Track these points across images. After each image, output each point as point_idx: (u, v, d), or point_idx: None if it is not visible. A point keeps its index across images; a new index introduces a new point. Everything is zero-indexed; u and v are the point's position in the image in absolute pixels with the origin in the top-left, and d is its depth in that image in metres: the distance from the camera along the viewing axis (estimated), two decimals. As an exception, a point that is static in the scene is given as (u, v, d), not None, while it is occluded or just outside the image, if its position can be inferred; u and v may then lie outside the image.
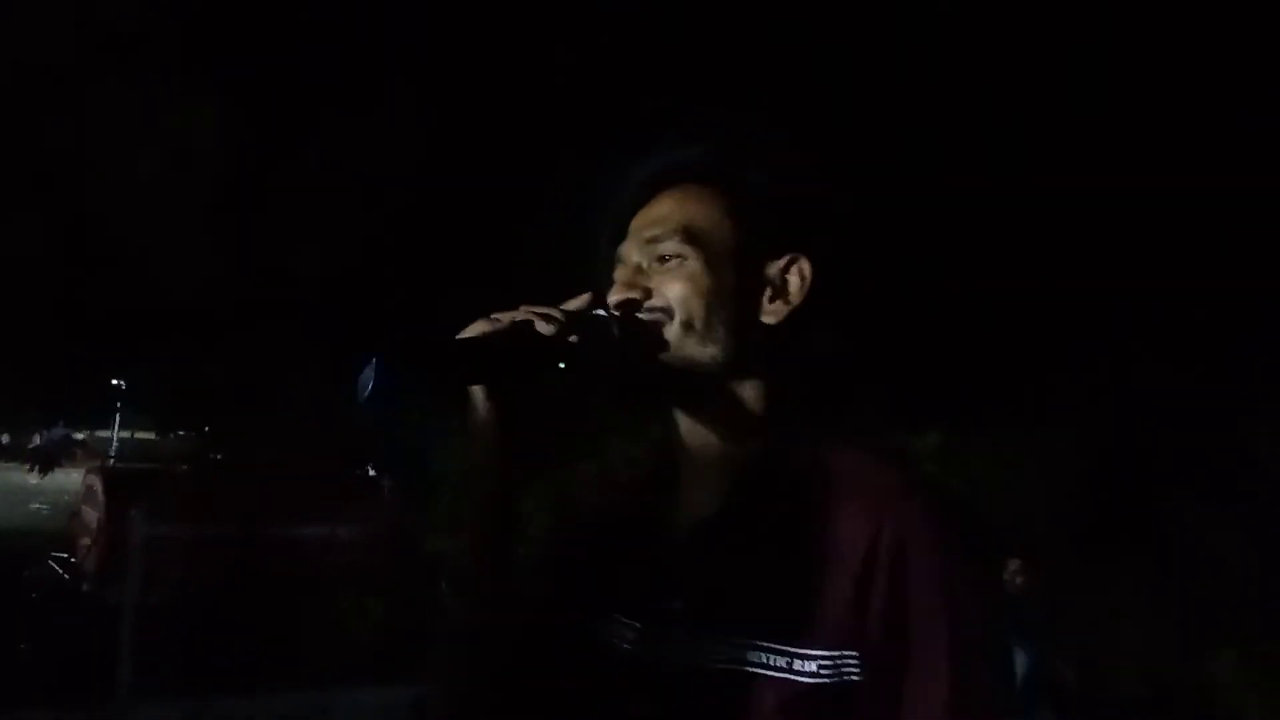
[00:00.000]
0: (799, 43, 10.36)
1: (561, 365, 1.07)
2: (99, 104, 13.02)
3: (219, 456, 15.08)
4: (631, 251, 1.19)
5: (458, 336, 1.05)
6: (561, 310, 1.09)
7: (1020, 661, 4.57)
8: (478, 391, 1.09)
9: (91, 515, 9.56)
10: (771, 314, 1.16)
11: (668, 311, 1.13)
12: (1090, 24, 9.63)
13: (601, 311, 1.13)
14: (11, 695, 6.15)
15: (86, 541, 9.47)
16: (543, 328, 1.06)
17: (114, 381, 26.63)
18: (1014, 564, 4.87)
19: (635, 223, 1.20)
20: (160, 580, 7.36)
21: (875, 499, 1.04)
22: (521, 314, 1.07)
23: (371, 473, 11.51)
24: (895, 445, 1.19)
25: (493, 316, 1.07)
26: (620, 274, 1.18)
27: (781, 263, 1.17)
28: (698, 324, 1.12)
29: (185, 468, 12.77)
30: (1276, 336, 7.26)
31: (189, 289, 13.55)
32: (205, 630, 7.21)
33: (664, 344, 1.13)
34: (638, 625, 1.11)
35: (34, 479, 27.37)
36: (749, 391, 1.15)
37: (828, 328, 1.20)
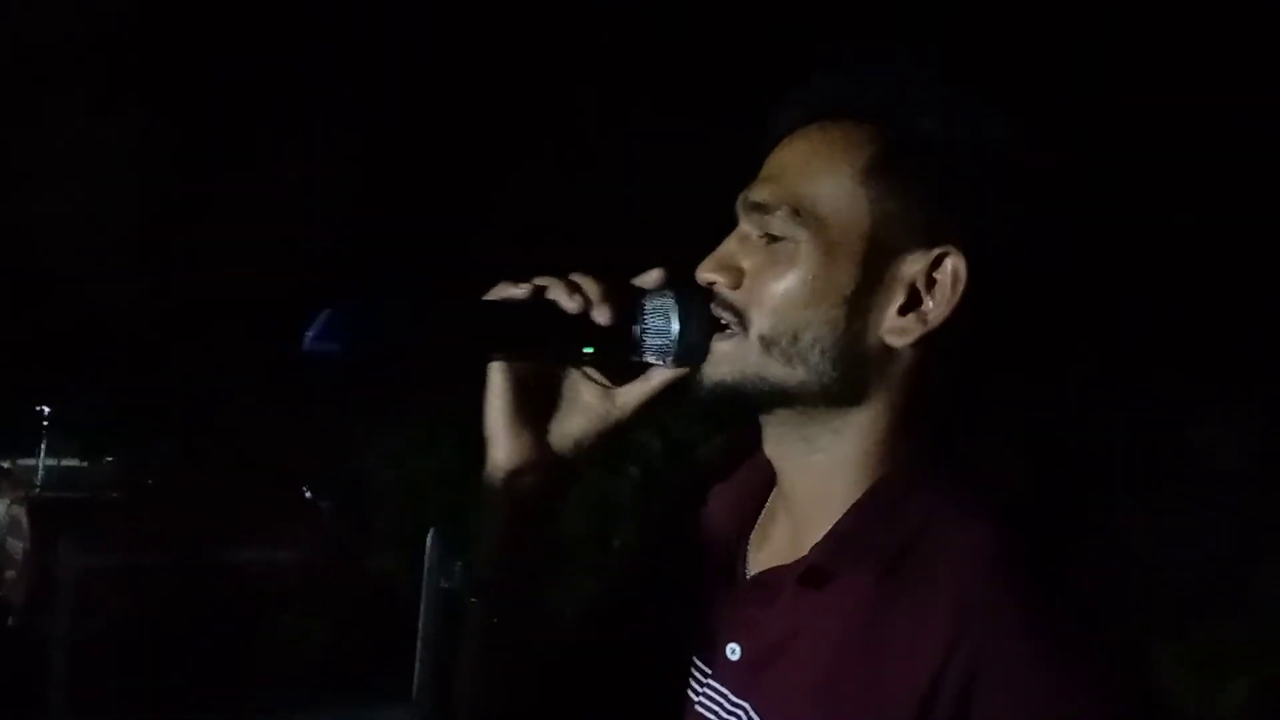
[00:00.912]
0: (796, 41, 10.39)
1: (588, 349, 0.88)
2: (12, 116, 12.66)
3: (150, 482, 14.73)
4: (742, 215, 0.88)
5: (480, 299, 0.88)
6: (601, 283, 0.88)
7: None
8: (494, 370, 0.91)
9: (17, 546, 9.29)
10: (897, 333, 0.84)
11: (745, 318, 0.85)
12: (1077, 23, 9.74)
13: (669, 294, 0.88)
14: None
15: (12, 574, 9.21)
16: (562, 300, 0.86)
17: (38, 408, 25.90)
18: None
19: (762, 169, 0.89)
20: (92, 611, 7.20)
21: (961, 597, 0.77)
22: (546, 281, 0.88)
23: (308, 494, 11.29)
24: (1029, 506, 0.86)
25: (531, 282, 0.88)
26: (723, 245, 0.89)
27: (928, 257, 0.83)
28: (783, 342, 0.83)
29: (115, 495, 12.40)
30: (1210, 332, 7.44)
31: (115, 312, 13.23)
32: (144, 660, 7.05)
33: (737, 357, 0.86)
34: (694, 662, 0.93)
35: (-46, 511, 26.47)
36: (855, 425, 0.86)
37: (972, 352, 0.88)
